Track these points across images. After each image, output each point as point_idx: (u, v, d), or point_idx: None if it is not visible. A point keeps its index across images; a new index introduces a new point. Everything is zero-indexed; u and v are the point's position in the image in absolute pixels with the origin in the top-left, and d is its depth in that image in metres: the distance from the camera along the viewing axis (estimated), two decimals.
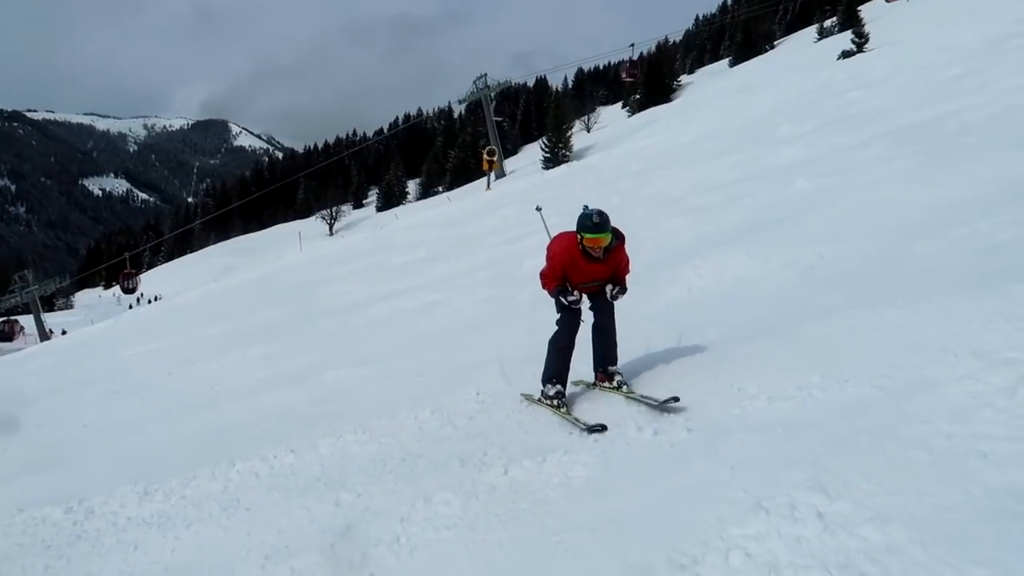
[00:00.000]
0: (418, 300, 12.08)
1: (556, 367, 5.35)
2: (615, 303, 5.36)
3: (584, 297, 5.35)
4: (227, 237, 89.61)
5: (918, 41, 27.58)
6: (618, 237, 5.19)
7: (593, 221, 4.94)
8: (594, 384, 5.51)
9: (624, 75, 52.69)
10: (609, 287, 5.29)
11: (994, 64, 16.42)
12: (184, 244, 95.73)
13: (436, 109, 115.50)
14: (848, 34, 44.89)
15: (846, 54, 39.80)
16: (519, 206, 21.29)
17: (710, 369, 4.99)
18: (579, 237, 5.05)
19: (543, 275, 5.40)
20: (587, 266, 5.15)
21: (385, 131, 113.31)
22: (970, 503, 2.69)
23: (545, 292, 5.45)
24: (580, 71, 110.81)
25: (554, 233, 5.57)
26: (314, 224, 68.44)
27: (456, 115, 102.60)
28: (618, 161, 24.15)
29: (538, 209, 6.58)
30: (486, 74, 49.27)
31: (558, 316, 5.41)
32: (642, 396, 4.92)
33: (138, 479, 5.43)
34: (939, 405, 3.51)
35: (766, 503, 3.02)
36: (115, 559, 4.35)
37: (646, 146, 25.35)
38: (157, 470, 5.64)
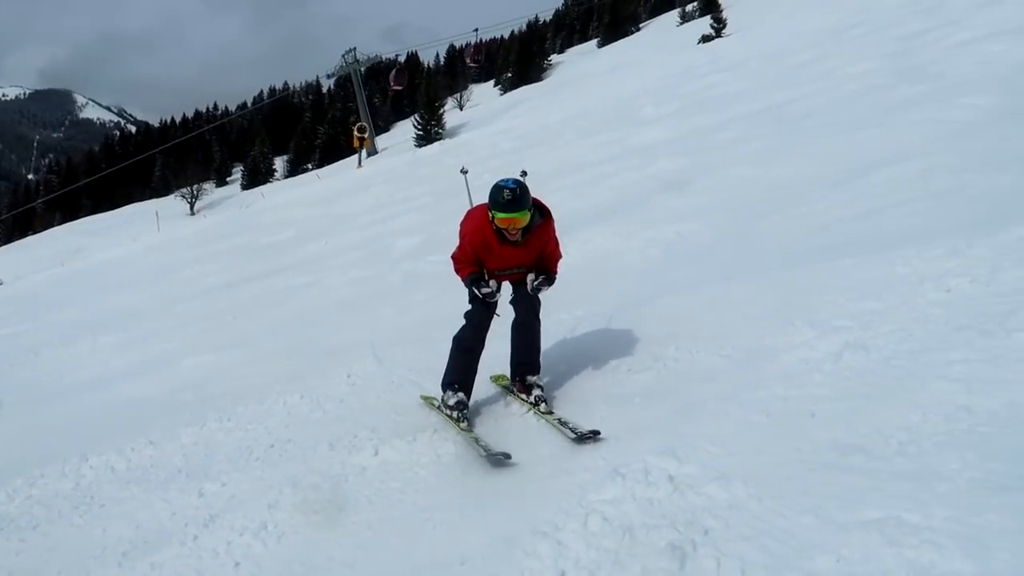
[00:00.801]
0: (287, 281, 11.76)
1: (458, 371, 4.49)
2: (540, 296, 4.52)
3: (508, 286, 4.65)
4: (75, 217, 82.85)
5: (771, 28, 29.29)
6: (542, 214, 4.34)
7: (504, 197, 4.01)
8: (511, 390, 4.71)
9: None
10: (531, 277, 4.41)
11: (836, 52, 17.71)
12: (25, 225, 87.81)
13: (303, 83, 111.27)
14: (708, 19, 46.91)
15: (706, 38, 41.57)
16: (392, 184, 21.07)
17: (575, 345, 5.18)
18: (491, 215, 4.16)
19: (455, 258, 4.47)
20: (502, 250, 4.28)
21: (249, 105, 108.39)
22: (800, 459, 2.97)
23: (458, 278, 4.58)
24: (452, 47, 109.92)
25: (477, 202, 4.65)
26: (174, 203, 64.35)
27: (325, 90, 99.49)
28: (490, 139, 24.28)
29: (463, 172, 5.57)
30: (355, 48, 48.02)
31: (468, 308, 4.55)
32: (559, 421, 4.05)
33: None
34: (776, 371, 3.83)
35: (623, 469, 3.20)
36: None
37: (518, 125, 25.64)
38: None
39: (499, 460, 3.78)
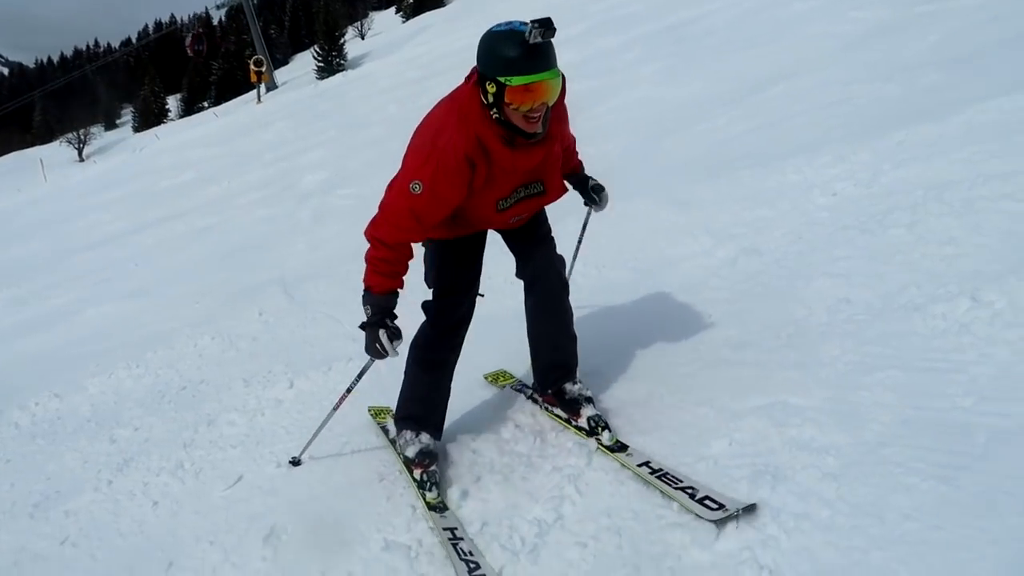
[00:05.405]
0: (190, 225, 11.34)
1: (418, 398, 2.94)
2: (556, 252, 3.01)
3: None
4: None
5: None
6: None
7: (532, 40, 2.24)
8: (533, 399, 3.23)
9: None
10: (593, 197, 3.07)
11: None
12: None
13: (192, 15, 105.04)
14: None
15: None
16: (294, 119, 20.36)
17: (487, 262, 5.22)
18: (489, 91, 2.34)
19: (378, 226, 2.56)
20: (516, 157, 2.49)
21: (134, 41, 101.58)
22: (698, 357, 3.16)
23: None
24: None
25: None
26: (59, 150, 60.34)
27: (216, 22, 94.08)
28: (395, 69, 23.65)
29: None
30: None
31: (428, 298, 2.87)
32: (661, 476, 2.45)
33: None
34: (678, 279, 4.01)
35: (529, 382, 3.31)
36: None
37: (422, 53, 25.01)
38: None
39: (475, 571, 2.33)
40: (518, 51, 2.27)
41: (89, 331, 7.06)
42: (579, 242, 3.58)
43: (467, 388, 2.89)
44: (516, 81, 2.29)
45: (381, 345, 2.56)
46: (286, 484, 3.17)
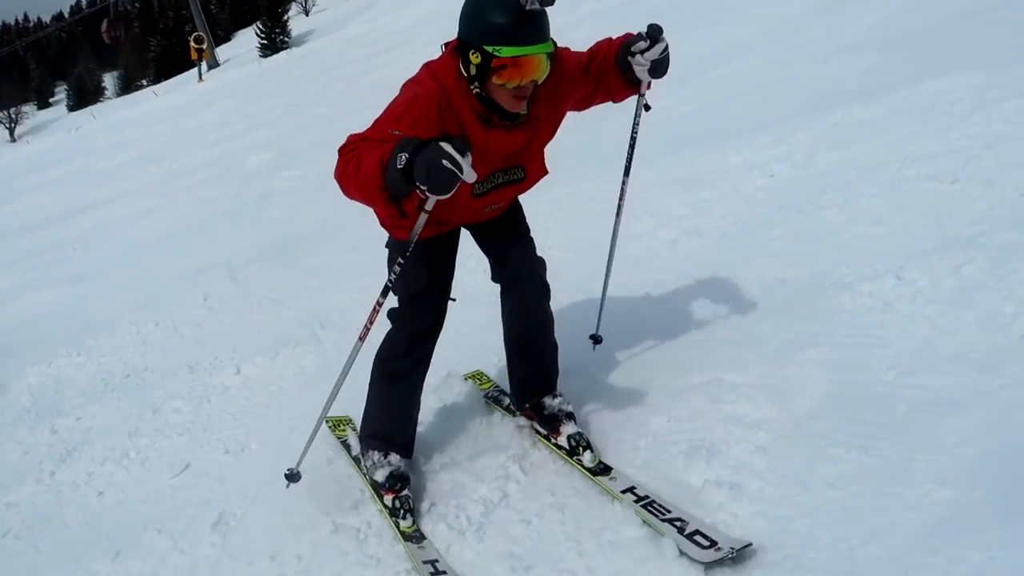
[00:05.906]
0: (130, 207, 11.05)
1: (386, 415, 2.69)
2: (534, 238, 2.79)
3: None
4: None
5: None
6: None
7: (530, 5, 2.01)
8: (510, 409, 2.99)
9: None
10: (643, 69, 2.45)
11: None
12: None
13: None
14: None
15: None
16: (238, 98, 19.88)
17: None
18: (473, 62, 2.11)
19: (352, 143, 2.16)
20: (490, 138, 2.24)
21: (66, 16, 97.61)
22: (639, 338, 3.26)
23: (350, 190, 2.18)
24: None
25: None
26: None
27: None
28: (340, 46, 23.24)
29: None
30: None
31: (394, 304, 2.58)
32: (650, 507, 2.27)
33: None
34: (621, 260, 4.05)
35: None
36: None
37: (368, 30, 24.58)
38: None
39: None
40: (510, 17, 2.02)
41: (27, 318, 6.88)
42: (628, 160, 3.00)
43: None
44: (505, 52, 2.04)
45: (451, 160, 1.86)
46: (234, 470, 3.18)
